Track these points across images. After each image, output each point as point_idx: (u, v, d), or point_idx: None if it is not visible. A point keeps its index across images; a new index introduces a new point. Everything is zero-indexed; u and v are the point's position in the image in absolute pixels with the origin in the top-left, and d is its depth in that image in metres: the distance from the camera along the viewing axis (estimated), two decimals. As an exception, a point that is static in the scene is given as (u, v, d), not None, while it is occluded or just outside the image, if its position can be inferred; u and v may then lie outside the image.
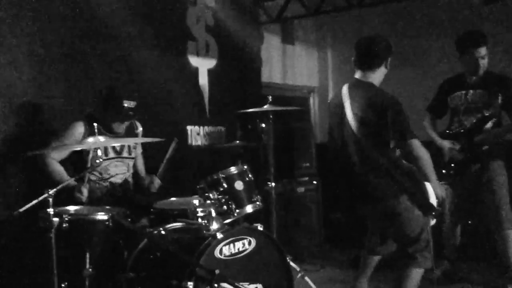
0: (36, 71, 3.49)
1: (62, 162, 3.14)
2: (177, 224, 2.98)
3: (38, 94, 3.51)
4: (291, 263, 3.17)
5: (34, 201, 2.34)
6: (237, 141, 4.33)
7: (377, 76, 3.04)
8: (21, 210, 2.32)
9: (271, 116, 3.86)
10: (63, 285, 2.53)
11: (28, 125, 3.45)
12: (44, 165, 3.09)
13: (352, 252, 4.41)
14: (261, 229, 2.87)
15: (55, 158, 3.10)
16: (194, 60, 4.80)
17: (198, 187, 3.01)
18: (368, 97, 2.94)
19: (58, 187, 2.41)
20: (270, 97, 3.79)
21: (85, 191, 2.97)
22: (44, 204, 2.38)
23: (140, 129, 3.47)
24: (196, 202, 3.09)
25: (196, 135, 4.83)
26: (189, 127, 4.75)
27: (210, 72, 4.94)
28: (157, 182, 3.50)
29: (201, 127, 4.88)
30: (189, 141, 4.73)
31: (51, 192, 2.37)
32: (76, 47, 3.73)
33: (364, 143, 2.92)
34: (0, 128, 3.30)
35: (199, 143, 4.82)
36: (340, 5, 5.24)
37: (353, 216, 4.05)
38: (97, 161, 2.60)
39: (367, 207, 3.11)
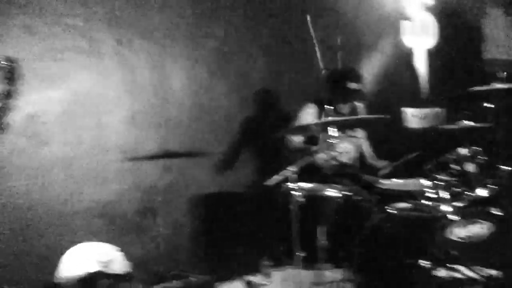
0: (268, 61, 3.87)
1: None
2: (405, 204, 2.99)
3: (271, 82, 3.90)
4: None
5: (278, 176, 2.59)
6: (464, 122, 4.10)
7: None
8: (268, 183, 2.59)
9: (503, 94, 3.58)
10: (301, 254, 2.77)
11: (265, 110, 3.84)
12: (288, 144, 3.40)
13: None
14: (499, 213, 2.72)
15: (293, 139, 3.40)
16: (409, 40, 4.71)
17: (426, 168, 2.98)
18: None
19: (298, 164, 2.63)
20: (503, 74, 3.52)
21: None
22: (286, 179, 2.63)
23: (362, 108, 3.60)
24: (424, 183, 3.05)
25: (412, 117, 4.74)
26: (404, 109, 4.69)
27: (428, 52, 4.79)
28: (387, 167, 3.56)
29: (417, 109, 4.77)
30: (405, 123, 4.68)
31: (292, 168, 2.60)
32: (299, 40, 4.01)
33: None
34: (242, 112, 3.75)
35: (415, 125, 4.73)
36: None
37: None
38: (327, 140, 2.76)
39: None
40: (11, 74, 1.91)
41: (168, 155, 3.48)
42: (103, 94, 3.34)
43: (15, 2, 3.02)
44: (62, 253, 2.84)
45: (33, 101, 3.05)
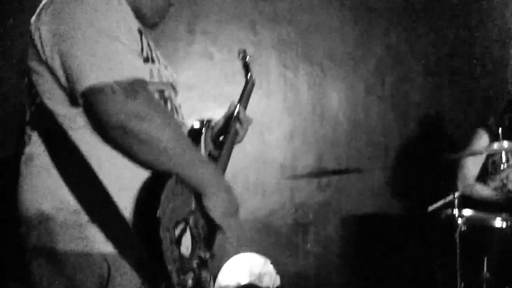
0: (428, 79, 3.80)
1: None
2: None
3: (431, 101, 3.80)
4: None
5: (442, 201, 2.53)
6: None
7: None
8: (431, 208, 2.54)
9: None
10: (461, 286, 2.66)
11: (430, 132, 3.79)
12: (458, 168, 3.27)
13: None
14: None
15: (468, 166, 3.21)
16: None
17: None
18: None
19: (462, 190, 2.54)
20: None
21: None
22: (449, 204, 2.56)
23: None
24: None
25: None
26: None
27: None
28: None
29: None
30: None
31: (457, 194, 2.52)
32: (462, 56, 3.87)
33: None
34: (400, 131, 3.72)
35: None
36: None
37: None
38: (501, 166, 2.62)
39: None
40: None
41: (324, 172, 3.57)
42: (267, 112, 3.55)
43: (196, 31, 3.37)
44: (220, 262, 3.03)
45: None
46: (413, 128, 3.83)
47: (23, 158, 1.31)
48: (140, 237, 1.19)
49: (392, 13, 3.80)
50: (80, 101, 1.18)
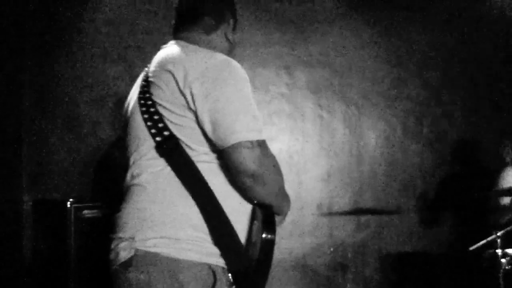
0: (468, 118, 3.82)
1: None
2: None
3: (469, 139, 3.78)
4: None
5: (484, 241, 2.48)
6: None
7: None
8: (472, 248, 2.49)
9: None
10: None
11: (469, 171, 3.77)
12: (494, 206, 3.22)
13: None
14: None
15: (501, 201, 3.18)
16: None
17: None
18: None
19: (507, 229, 2.49)
20: None
21: None
22: (491, 244, 2.51)
23: None
24: None
25: None
26: None
27: None
28: None
29: None
30: None
31: (500, 233, 2.47)
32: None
33: None
34: (438, 170, 3.70)
35: None
36: None
37: None
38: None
39: None
40: None
41: (361, 211, 3.55)
42: (303, 152, 3.59)
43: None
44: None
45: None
46: (452, 167, 3.78)
47: (144, 177, 1.55)
48: (249, 255, 1.53)
49: (428, 52, 3.83)
50: (225, 148, 1.48)
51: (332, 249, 3.57)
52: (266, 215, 1.56)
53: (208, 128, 1.50)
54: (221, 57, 1.57)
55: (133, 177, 1.60)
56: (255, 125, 1.49)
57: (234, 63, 1.57)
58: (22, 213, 2.96)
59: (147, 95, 1.58)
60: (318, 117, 3.65)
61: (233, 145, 1.46)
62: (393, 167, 3.73)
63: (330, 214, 3.55)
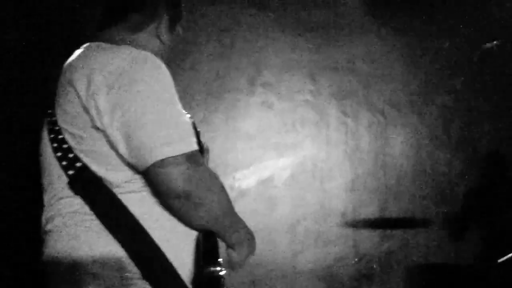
0: (498, 124, 3.72)
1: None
2: None
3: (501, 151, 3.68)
4: None
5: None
6: None
7: None
8: (501, 260, 2.41)
9: None
10: None
11: (499, 180, 3.68)
12: None
13: None
14: None
15: None
16: None
17: None
18: None
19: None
20: None
21: None
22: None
23: None
24: None
25: None
26: None
27: None
28: None
29: None
30: None
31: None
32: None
33: None
34: (467, 180, 3.61)
35: None
36: None
37: None
38: None
39: None
40: None
41: (387, 221, 3.48)
42: (327, 160, 3.54)
43: (256, 82, 3.47)
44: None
45: (268, 167, 3.40)
46: (482, 176, 3.68)
47: (58, 221, 1.30)
48: None
49: (456, 59, 3.75)
50: (145, 171, 1.21)
51: (357, 260, 3.51)
52: (207, 242, 1.29)
53: (122, 149, 1.22)
54: (130, 52, 1.26)
55: (47, 222, 1.33)
56: (178, 134, 1.21)
57: (149, 56, 1.26)
58: None
59: (54, 118, 1.31)
60: (343, 124, 3.60)
61: (152, 164, 1.18)
62: (420, 176, 3.65)
63: (355, 223, 3.50)
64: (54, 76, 1.39)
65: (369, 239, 3.54)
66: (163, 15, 1.48)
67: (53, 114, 1.31)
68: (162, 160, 1.17)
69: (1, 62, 2.29)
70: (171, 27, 1.51)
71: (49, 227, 1.32)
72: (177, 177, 1.18)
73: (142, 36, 1.44)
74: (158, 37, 1.47)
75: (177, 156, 1.18)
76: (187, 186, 1.19)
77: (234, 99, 3.42)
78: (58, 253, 1.28)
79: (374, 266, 3.53)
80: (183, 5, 1.62)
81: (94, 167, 1.25)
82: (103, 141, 1.24)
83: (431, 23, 3.72)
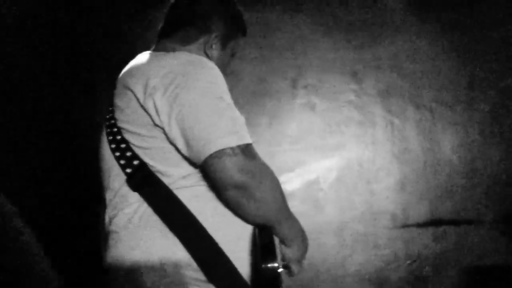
0: None
1: None
2: None
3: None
4: None
5: None
6: None
7: None
8: None
9: None
10: None
11: None
12: None
13: None
14: None
15: None
16: None
17: None
18: None
19: None
20: None
21: None
22: None
23: None
24: None
25: None
26: None
27: None
28: None
29: None
30: None
31: None
32: None
33: None
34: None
35: None
36: None
37: None
38: None
39: None
40: None
41: (439, 222, 3.39)
42: (374, 161, 3.47)
43: (298, 84, 3.45)
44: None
45: (313, 169, 3.37)
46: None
47: (119, 219, 1.34)
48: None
49: (506, 53, 3.60)
50: (202, 163, 1.25)
51: (409, 262, 3.42)
52: (264, 238, 1.29)
53: (180, 144, 1.27)
54: (185, 56, 1.35)
55: (110, 220, 1.38)
56: (233, 127, 1.26)
57: (203, 59, 1.35)
58: None
59: (112, 121, 1.38)
60: (389, 123, 3.52)
61: (209, 156, 1.22)
62: (472, 174, 3.52)
63: (405, 225, 3.42)
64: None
65: (420, 240, 3.45)
66: (214, 30, 1.54)
67: (112, 118, 1.39)
68: (219, 151, 1.22)
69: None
70: (223, 44, 1.57)
71: (112, 227, 1.36)
72: (233, 167, 1.22)
73: (190, 49, 1.51)
74: (206, 52, 1.53)
75: (233, 147, 1.23)
76: (243, 177, 1.23)
77: (277, 102, 3.42)
78: (120, 254, 1.32)
79: (426, 268, 3.44)
80: (246, 25, 1.65)
81: (152, 163, 1.31)
82: (162, 137, 1.30)
83: (477, 15, 3.60)
